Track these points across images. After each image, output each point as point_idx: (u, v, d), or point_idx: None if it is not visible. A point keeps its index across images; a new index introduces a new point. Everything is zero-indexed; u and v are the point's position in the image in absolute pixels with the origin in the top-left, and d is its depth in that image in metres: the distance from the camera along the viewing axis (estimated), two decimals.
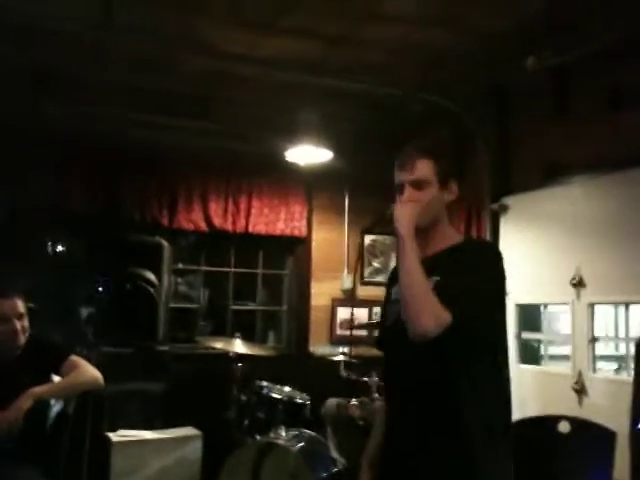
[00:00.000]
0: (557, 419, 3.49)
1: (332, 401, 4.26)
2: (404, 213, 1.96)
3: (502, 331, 2.05)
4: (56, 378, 3.09)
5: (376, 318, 5.87)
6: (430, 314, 1.80)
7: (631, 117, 3.98)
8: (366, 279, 6.09)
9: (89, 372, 3.12)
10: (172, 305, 5.65)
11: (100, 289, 4.67)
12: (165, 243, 5.08)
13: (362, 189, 6.03)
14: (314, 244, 6.03)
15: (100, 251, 4.98)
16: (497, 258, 1.98)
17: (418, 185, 2.01)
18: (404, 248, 1.91)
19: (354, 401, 4.15)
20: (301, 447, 3.89)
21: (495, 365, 1.98)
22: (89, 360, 3.28)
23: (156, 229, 5.35)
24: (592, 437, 3.42)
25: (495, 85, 5.01)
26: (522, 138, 4.92)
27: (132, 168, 5.34)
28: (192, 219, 5.53)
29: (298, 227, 5.93)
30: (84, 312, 4.56)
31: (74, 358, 3.15)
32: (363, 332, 5.91)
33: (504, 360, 2.03)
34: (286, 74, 4.74)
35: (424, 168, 2.01)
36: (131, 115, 5.07)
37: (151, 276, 4.67)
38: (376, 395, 4.23)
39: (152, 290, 4.58)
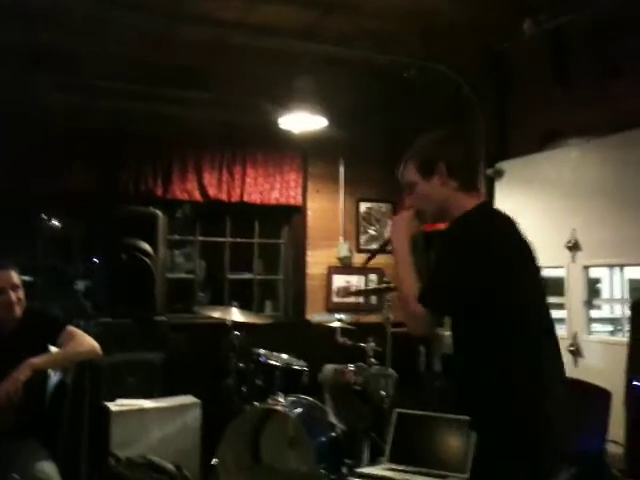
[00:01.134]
0: None
1: (329, 367, 4.29)
2: (395, 225, 2.19)
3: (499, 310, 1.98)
4: (53, 349, 3.10)
5: (372, 285, 5.91)
6: (414, 321, 2.00)
7: (629, 82, 3.96)
8: (362, 247, 6.10)
9: (87, 342, 3.13)
10: (169, 276, 5.66)
11: (96, 261, 4.68)
12: (160, 214, 5.08)
13: (358, 157, 6.02)
14: (310, 213, 6.02)
15: (96, 223, 4.97)
16: (463, 238, 2.00)
17: (410, 189, 2.16)
18: (395, 258, 2.12)
19: (351, 367, 4.18)
20: (299, 413, 3.92)
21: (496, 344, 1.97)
22: (87, 331, 3.28)
23: (151, 200, 5.33)
24: (587, 397, 3.46)
25: (494, 51, 4.97)
26: (520, 103, 4.89)
27: (126, 140, 5.30)
28: (186, 189, 5.51)
29: (293, 196, 5.91)
30: (81, 285, 4.57)
31: (71, 328, 3.15)
32: (360, 299, 5.95)
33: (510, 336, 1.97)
34: (280, 41, 4.68)
35: (409, 172, 2.16)
36: (125, 87, 5.04)
37: (146, 247, 4.68)
38: (372, 360, 4.26)
39: (148, 260, 4.59)
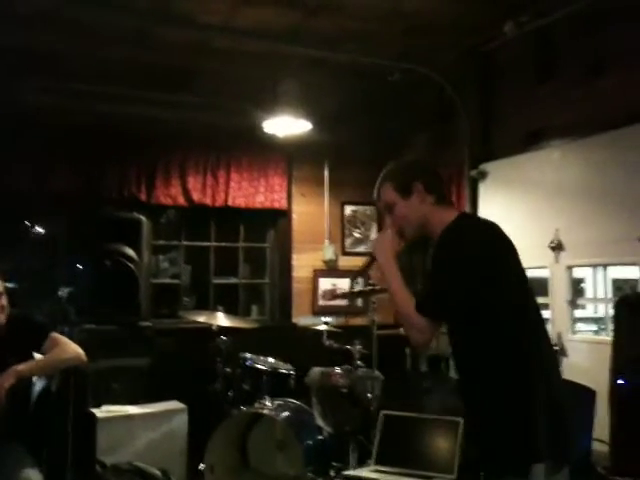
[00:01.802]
0: None
1: (316, 370, 4.28)
2: (379, 244, 2.26)
3: (493, 311, 2.05)
4: (38, 356, 3.08)
5: (357, 287, 5.91)
6: (416, 331, 2.06)
7: (612, 82, 4.00)
8: (347, 249, 6.11)
9: (71, 348, 3.11)
10: (154, 281, 5.64)
11: (80, 267, 4.65)
12: (144, 219, 5.05)
13: (342, 160, 6.03)
14: (295, 216, 6.03)
15: (79, 229, 4.94)
16: (456, 247, 2.07)
17: (389, 209, 2.24)
18: (385, 274, 2.18)
19: (338, 370, 4.18)
20: (287, 416, 3.92)
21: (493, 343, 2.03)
22: (71, 338, 3.26)
23: (135, 205, 5.31)
24: (572, 395, 3.49)
25: (477, 52, 5.00)
26: (504, 104, 4.93)
27: (110, 144, 5.27)
28: (171, 194, 5.49)
29: (278, 199, 5.91)
30: (65, 291, 4.53)
31: (55, 335, 3.13)
32: (345, 302, 5.95)
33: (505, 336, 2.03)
34: (264, 44, 4.69)
35: (386, 192, 2.24)
36: (109, 90, 5.01)
37: (131, 252, 4.65)
38: (359, 363, 4.26)
39: (132, 266, 4.56)
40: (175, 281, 5.86)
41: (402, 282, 2.14)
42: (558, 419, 2.00)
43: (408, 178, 2.22)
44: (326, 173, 6.08)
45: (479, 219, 2.27)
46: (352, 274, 2.44)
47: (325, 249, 6.02)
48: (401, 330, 2.40)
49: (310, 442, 3.91)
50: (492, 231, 2.16)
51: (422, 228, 2.23)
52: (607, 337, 4.00)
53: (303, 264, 5.99)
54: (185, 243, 5.84)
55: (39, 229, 4.92)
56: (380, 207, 2.29)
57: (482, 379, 2.07)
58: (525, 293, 2.13)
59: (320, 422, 4.09)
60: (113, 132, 5.23)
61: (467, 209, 4.98)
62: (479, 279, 2.02)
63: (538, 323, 2.14)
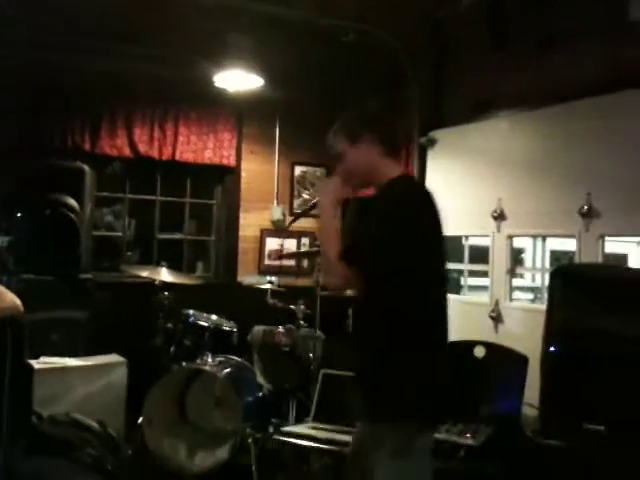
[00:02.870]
0: (473, 344, 3.66)
1: (259, 328, 4.32)
2: (324, 187, 2.42)
3: (413, 270, 2.13)
4: None
5: (303, 248, 5.94)
6: (336, 276, 2.16)
7: (562, 56, 4.05)
8: (295, 210, 6.10)
9: (8, 298, 3.04)
10: (96, 233, 5.54)
11: (19, 215, 4.52)
12: (87, 168, 4.93)
13: (294, 120, 5.97)
14: (244, 174, 5.97)
15: (19, 178, 4.78)
16: (397, 205, 2.14)
17: (340, 158, 2.32)
18: (322, 215, 2.27)
19: (280, 328, 4.22)
20: (227, 373, 3.95)
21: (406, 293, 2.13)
22: (9, 287, 3.19)
23: (78, 155, 5.17)
24: (505, 361, 3.61)
25: (432, 19, 4.98)
26: (456, 73, 4.95)
27: (53, 92, 5.08)
28: (116, 145, 5.36)
29: (227, 156, 5.83)
30: (3, 240, 4.41)
31: None
32: (291, 262, 5.97)
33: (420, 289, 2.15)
34: None
35: (338, 141, 2.32)
36: (53, 38, 4.80)
37: (72, 202, 4.54)
38: (302, 322, 4.31)
39: (73, 216, 4.46)
40: (118, 234, 5.76)
41: (334, 226, 2.21)
42: (435, 386, 2.13)
43: (358, 127, 2.29)
44: (277, 132, 6.02)
45: (418, 183, 2.39)
46: (295, 214, 2.55)
47: (273, 209, 6.00)
48: (346, 292, 2.45)
49: (250, 398, 3.96)
50: (430, 198, 2.22)
51: (368, 177, 2.30)
52: (542, 306, 4.13)
53: (250, 223, 5.96)
54: (130, 196, 5.73)
55: None
56: (333, 155, 2.34)
57: (374, 335, 2.18)
58: (443, 264, 2.28)
59: (261, 379, 4.14)
60: (55, 82, 5.04)
61: (415, 176, 5.02)
62: (410, 240, 2.09)
63: (444, 296, 2.25)
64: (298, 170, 6.15)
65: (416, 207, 2.16)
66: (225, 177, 5.99)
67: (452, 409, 2.38)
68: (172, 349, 4.22)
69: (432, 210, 2.20)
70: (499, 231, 4.37)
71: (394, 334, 2.13)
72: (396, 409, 2.11)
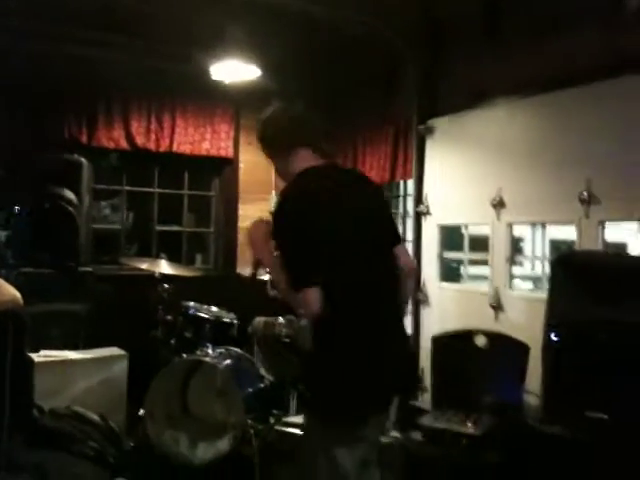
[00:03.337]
0: (474, 333, 3.66)
1: (259, 320, 4.29)
2: (251, 241, 2.38)
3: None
4: None
5: None
6: (309, 306, 2.09)
7: (557, 41, 4.02)
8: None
9: (7, 291, 3.03)
10: (95, 227, 5.52)
11: (18, 209, 4.51)
12: (84, 161, 4.91)
13: None
14: (242, 165, 5.96)
15: (17, 170, 4.76)
16: (284, 218, 2.20)
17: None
18: (265, 265, 2.37)
19: (281, 319, 4.20)
20: (228, 364, 3.94)
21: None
22: (8, 281, 3.18)
23: (75, 147, 5.15)
24: (506, 349, 3.61)
25: (427, 9, 4.95)
26: (452, 61, 4.91)
27: (50, 84, 5.06)
28: (113, 137, 5.34)
29: (225, 147, 5.82)
30: (2, 234, 4.40)
31: None
32: None
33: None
34: None
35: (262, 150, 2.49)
36: (47, 28, 4.77)
37: (70, 195, 4.53)
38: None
39: (72, 209, 4.45)
40: (116, 226, 5.74)
41: (277, 266, 2.21)
42: (360, 383, 2.14)
43: (269, 139, 2.42)
44: None
45: (311, 172, 2.30)
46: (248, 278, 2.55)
47: (272, 200, 5.98)
48: None
49: (251, 390, 3.95)
50: (317, 185, 2.23)
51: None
52: (542, 294, 4.13)
53: (249, 214, 5.94)
54: (127, 188, 5.71)
55: None
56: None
57: (318, 328, 2.17)
58: (357, 249, 2.21)
59: (262, 371, 4.13)
60: (52, 73, 5.02)
61: (414, 164, 5.01)
62: (299, 243, 2.13)
63: (374, 282, 2.22)
64: None
65: (297, 208, 2.17)
66: (223, 168, 5.97)
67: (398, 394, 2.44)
68: (172, 341, 4.22)
69: (322, 198, 2.19)
70: (499, 219, 4.36)
71: (315, 334, 2.17)
72: (321, 409, 2.18)
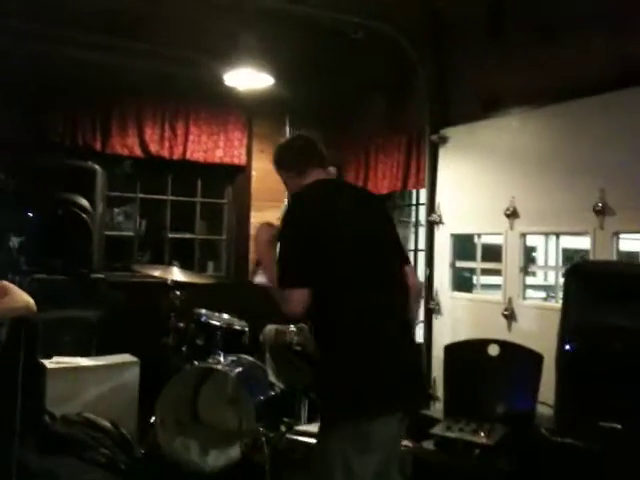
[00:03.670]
0: (487, 342, 3.63)
1: (270, 327, 4.29)
2: (256, 240, 2.64)
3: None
4: None
5: None
6: (290, 304, 2.24)
7: (568, 50, 4.00)
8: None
9: (20, 297, 3.04)
10: (108, 234, 5.54)
11: (31, 215, 4.54)
12: (98, 168, 4.93)
13: (303, 118, 5.95)
14: (254, 173, 5.96)
15: (31, 177, 4.80)
16: (289, 219, 2.36)
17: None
18: (263, 265, 2.48)
19: (292, 327, 4.20)
20: (239, 372, 3.94)
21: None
22: (21, 287, 3.19)
23: (89, 154, 5.18)
24: (520, 359, 3.58)
25: (432, 12, 4.94)
26: (460, 69, 4.90)
27: (63, 91, 5.10)
28: (127, 144, 5.37)
29: (237, 155, 5.84)
30: (15, 240, 4.43)
31: (5, 283, 3.06)
32: None
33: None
34: None
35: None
36: (62, 34, 4.80)
37: (84, 202, 4.55)
38: None
39: (85, 216, 4.47)
40: (129, 234, 5.77)
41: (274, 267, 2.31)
42: (366, 381, 2.18)
43: (280, 164, 2.61)
44: (287, 131, 6.01)
45: (320, 184, 2.47)
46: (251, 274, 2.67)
47: (284, 208, 5.98)
48: None
49: (262, 398, 3.95)
50: (325, 195, 2.39)
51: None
52: (556, 304, 4.10)
53: (261, 222, 5.93)
54: (141, 196, 5.74)
55: None
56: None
57: (320, 335, 2.30)
58: (358, 257, 2.29)
59: (273, 378, 4.12)
60: (65, 79, 5.05)
61: (426, 174, 4.99)
62: (310, 244, 2.22)
63: (375, 288, 2.28)
64: None
65: (303, 215, 2.32)
66: (236, 176, 5.99)
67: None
68: (184, 349, 4.22)
69: (330, 207, 2.33)
70: (512, 229, 4.34)
71: (318, 339, 2.29)
72: (330, 411, 2.25)
